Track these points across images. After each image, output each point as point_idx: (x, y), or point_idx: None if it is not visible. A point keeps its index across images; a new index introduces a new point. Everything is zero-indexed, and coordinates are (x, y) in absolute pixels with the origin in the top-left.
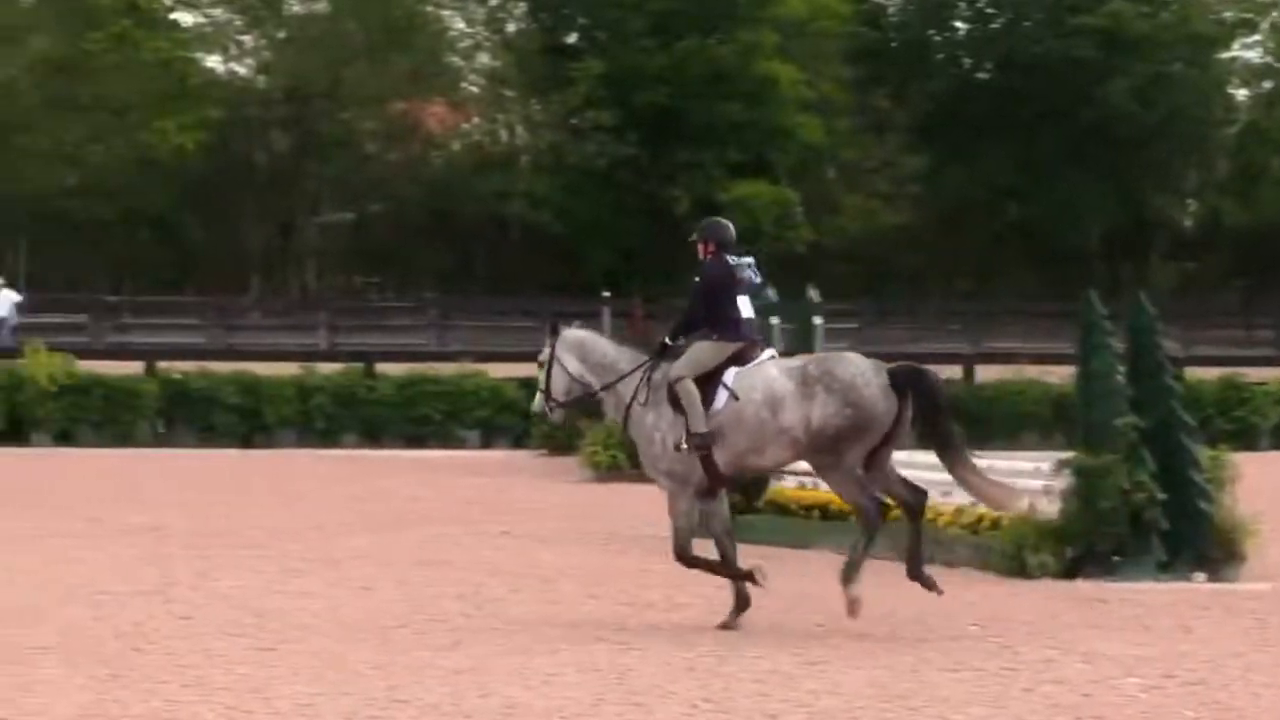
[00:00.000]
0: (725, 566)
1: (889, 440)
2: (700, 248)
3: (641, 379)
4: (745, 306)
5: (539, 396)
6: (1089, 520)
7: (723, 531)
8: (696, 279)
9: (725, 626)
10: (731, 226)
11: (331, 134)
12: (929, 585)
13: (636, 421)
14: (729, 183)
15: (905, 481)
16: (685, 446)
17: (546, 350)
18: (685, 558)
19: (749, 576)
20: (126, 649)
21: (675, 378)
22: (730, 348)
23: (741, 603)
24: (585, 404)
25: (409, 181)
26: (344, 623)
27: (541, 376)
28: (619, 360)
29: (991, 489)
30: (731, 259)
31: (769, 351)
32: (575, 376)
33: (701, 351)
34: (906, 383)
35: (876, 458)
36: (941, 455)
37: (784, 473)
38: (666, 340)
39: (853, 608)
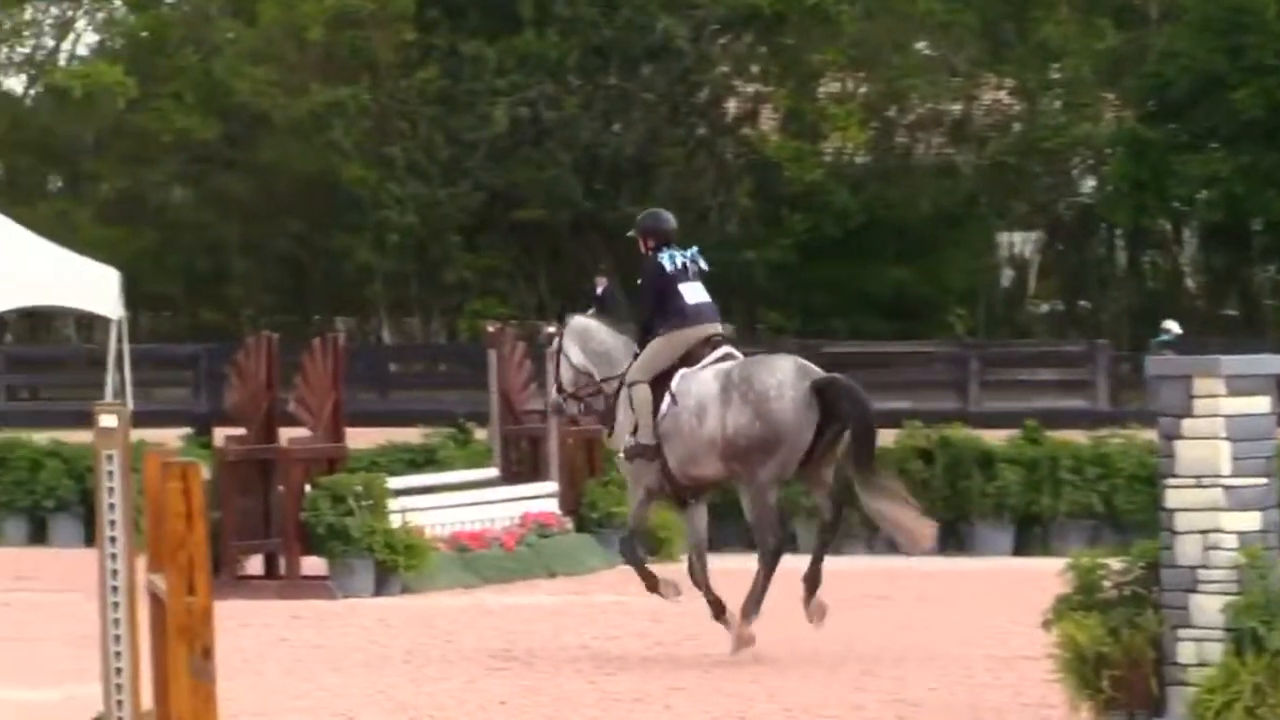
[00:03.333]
0: (643, 573)
1: (813, 458)
2: (640, 242)
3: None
4: (698, 293)
5: (552, 392)
6: None
7: (691, 545)
8: (639, 279)
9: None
10: (671, 217)
11: None
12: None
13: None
14: None
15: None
16: (622, 455)
17: (555, 342)
18: (625, 554)
19: (655, 587)
20: None
21: (631, 382)
22: (681, 339)
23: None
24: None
25: None
26: None
27: (550, 369)
28: (613, 351)
29: (906, 519)
30: (675, 253)
31: (724, 349)
32: (579, 367)
33: (654, 350)
34: (833, 396)
35: (813, 478)
36: (857, 479)
37: None
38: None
39: (740, 641)
